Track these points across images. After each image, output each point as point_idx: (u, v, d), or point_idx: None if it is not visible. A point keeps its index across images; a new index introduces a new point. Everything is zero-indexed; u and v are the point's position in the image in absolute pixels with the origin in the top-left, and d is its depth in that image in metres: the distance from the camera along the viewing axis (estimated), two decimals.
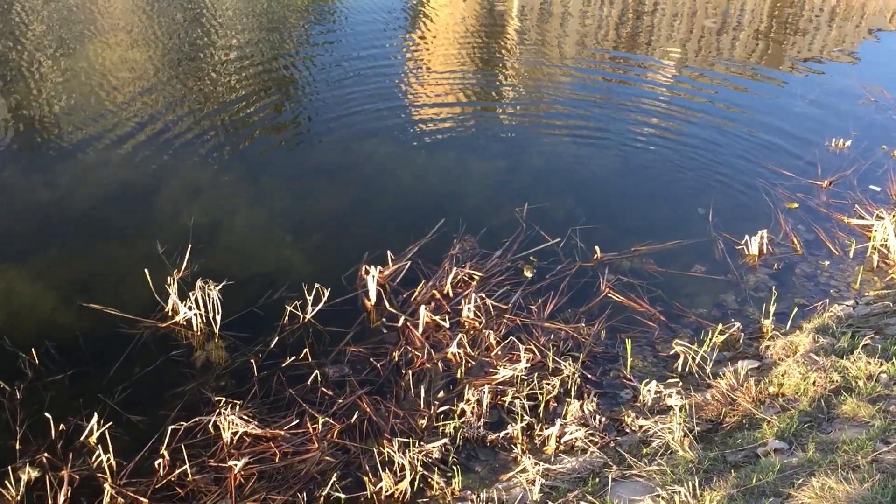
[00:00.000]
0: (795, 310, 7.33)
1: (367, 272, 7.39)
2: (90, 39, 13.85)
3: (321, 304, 7.06)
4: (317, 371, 6.43)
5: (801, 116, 11.71)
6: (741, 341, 7.05)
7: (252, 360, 6.54)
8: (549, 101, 12.16)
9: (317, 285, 7.06)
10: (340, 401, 6.24)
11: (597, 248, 8.17)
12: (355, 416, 6.05)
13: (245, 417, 5.89)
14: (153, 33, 14.48)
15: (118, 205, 8.88)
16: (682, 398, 6.10)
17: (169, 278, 7.09)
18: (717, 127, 11.34)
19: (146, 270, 7.13)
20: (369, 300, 7.35)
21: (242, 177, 9.67)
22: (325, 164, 10.06)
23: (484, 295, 7.28)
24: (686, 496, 4.60)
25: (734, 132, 11.17)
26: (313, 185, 9.57)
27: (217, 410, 5.91)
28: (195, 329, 6.88)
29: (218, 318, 6.86)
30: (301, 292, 7.15)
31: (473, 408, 6.13)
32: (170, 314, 7.00)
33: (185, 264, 7.46)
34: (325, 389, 6.32)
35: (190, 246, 7.77)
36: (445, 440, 5.81)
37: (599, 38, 15.72)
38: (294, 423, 5.94)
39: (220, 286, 6.87)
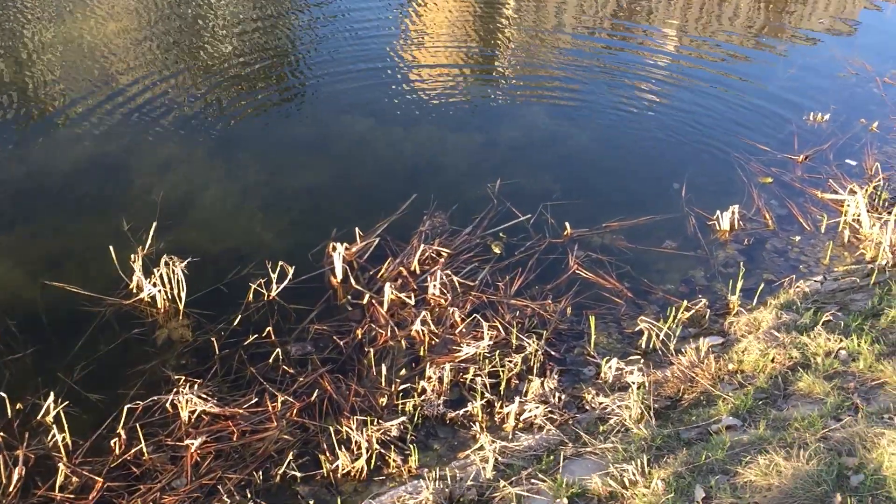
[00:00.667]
0: (762, 286, 7.31)
1: (333, 249, 7.34)
2: (65, 11, 13.68)
3: (286, 282, 7.02)
4: (279, 349, 6.40)
5: (781, 90, 11.63)
6: (707, 317, 7.04)
7: (214, 338, 6.52)
8: (532, 72, 12.05)
9: (280, 263, 7.00)
10: (301, 379, 6.23)
11: (567, 224, 8.13)
12: (315, 395, 6.04)
13: (204, 396, 5.88)
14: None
15: (87, 180, 8.82)
16: (642, 375, 6.10)
17: (134, 255, 7.03)
18: (699, 100, 11.26)
19: (111, 247, 7.07)
20: (335, 277, 7.32)
21: (217, 150, 9.59)
22: (303, 137, 9.98)
23: (450, 272, 7.25)
24: (634, 473, 4.61)
25: (715, 106, 11.10)
26: (289, 160, 9.50)
27: (175, 389, 5.88)
28: (159, 307, 6.86)
29: (182, 295, 6.83)
30: (269, 269, 7.11)
31: (434, 385, 6.13)
32: (134, 291, 6.95)
33: (150, 241, 7.38)
34: (286, 367, 6.31)
35: (156, 222, 7.70)
36: (404, 418, 5.82)
37: (599, 4, 15.55)
38: (253, 401, 5.94)
39: (184, 263, 6.82)
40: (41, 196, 8.48)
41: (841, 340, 5.89)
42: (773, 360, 5.87)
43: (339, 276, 7.29)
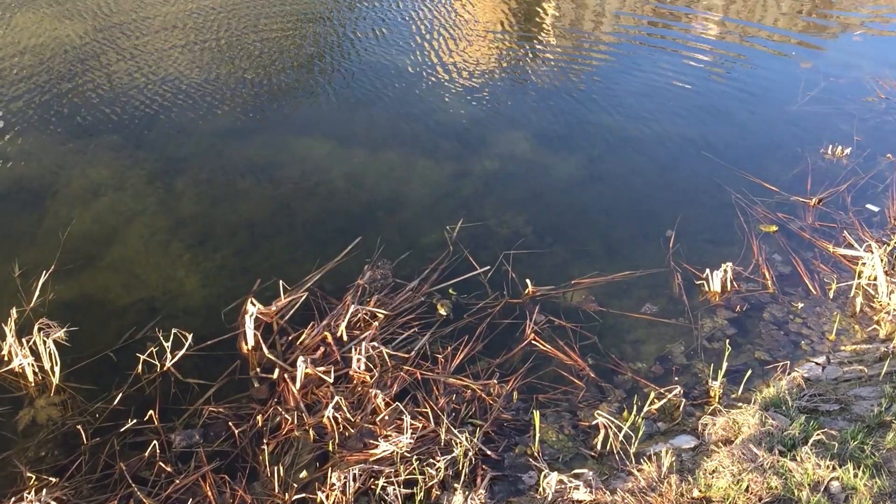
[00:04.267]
0: (749, 372, 6.13)
1: (245, 311, 6.27)
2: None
3: (182, 351, 5.97)
4: (156, 441, 5.35)
5: (798, 115, 10.35)
6: (681, 409, 5.89)
7: (82, 426, 5.48)
8: (511, 91, 10.84)
9: (174, 331, 5.95)
10: (178, 480, 5.19)
11: (528, 281, 6.98)
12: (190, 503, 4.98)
13: (53, 503, 4.84)
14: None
15: (2, 210, 7.85)
16: (589, 492, 4.97)
17: (15, 311, 6.03)
18: (704, 124, 10.03)
19: None
20: (246, 344, 6.25)
21: (154, 175, 8.59)
22: (253, 161, 8.93)
23: (379, 343, 6.16)
24: None
25: (721, 132, 9.88)
26: (232, 189, 8.46)
27: (20, 495, 4.86)
28: (29, 380, 5.83)
29: (56, 368, 5.80)
30: (185, 323, 6.12)
31: (336, 497, 5.04)
32: (6, 359, 5.94)
33: (37, 293, 6.39)
34: (163, 464, 5.26)
35: (53, 267, 6.74)
36: None
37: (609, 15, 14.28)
38: None
39: (61, 331, 5.81)
40: None
41: (834, 468, 4.71)
42: (746, 490, 4.71)
43: (250, 342, 6.22)
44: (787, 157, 9.31)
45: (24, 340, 5.78)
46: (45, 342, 5.73)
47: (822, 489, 4.62)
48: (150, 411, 5.58)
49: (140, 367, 5.96)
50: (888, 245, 7.47)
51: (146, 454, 5.33)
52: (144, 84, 10.31)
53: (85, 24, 12.01)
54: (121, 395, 5.74)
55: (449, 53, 11.75)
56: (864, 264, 7.31)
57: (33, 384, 5.83)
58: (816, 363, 6.35)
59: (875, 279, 7.10)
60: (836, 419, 5.44)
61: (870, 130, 10.02)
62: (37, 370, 5.82)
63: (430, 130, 9.62)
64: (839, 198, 8.57)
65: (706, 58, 12.15)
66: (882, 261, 7.12)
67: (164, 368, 5.99)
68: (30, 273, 6.84)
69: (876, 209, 8.39)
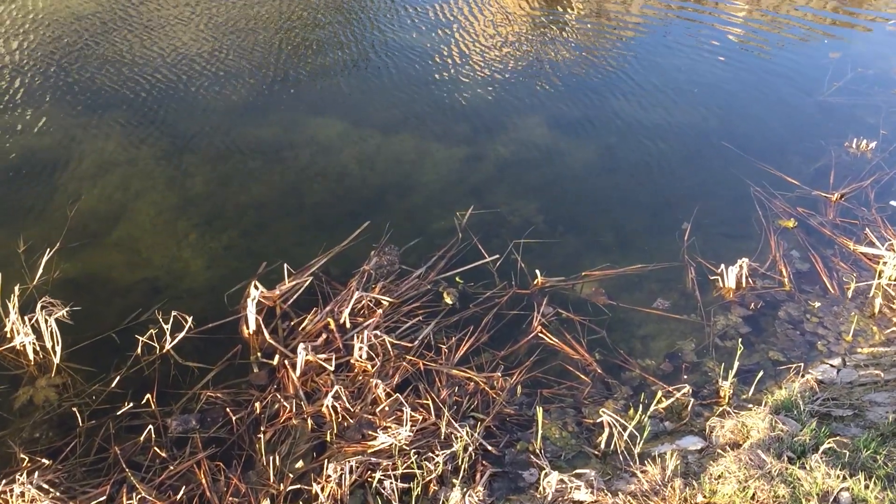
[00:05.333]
0: (761, 372, 5.95)
1: (248, 294, 6.17)
2: None
3: (182, 333, 5.89)
4: (152, 425, 5.28)
5: (823, 107, 10.08)
6: (689, 409, 5.73)
7: (77, 409, 5.41)
8: (533, 73, 10.62)
9: (174, 313, 5.86)
10: (172, 466, 5.11)
11: (538, 271, 6.83)
12: (183, 491, 4.91)
13: (45, 486, 4.79)
14: None
15: (12, 184, 7.78)
16: (591, 493, 4.84)
17: (18, 288, 5.96)
18: (726, 113, 9.79)
19: None
20: (247, 328, 6.15)
21: (165, 152, 8.50)
22: (266, 140, 8.81)
23: (382, 331, 6.05)
24: None
25: (743, 122, 9.63)
26: (243, 168, 8.36)
27: (12, 476, 4.80)
28: (30, 358, 5.77)
29: (58, 347, 5.73)
30: (188, 305, 6.05)
31: (332, 489, 4.94)
32: (7, 336, 5.88)
33: (41, 269, 6.34)
34: (158, 449, 5.19)
35: (59, 244, 6.68)
36: None
37: None
38: (103, 497, 4.81)
39: (65, 310, 5.74)
40: None
41: (844, 478, 4.55)
42: (752, 498, 4.56)
43: (252, 326, 6.12)
44: (809, 150, 9.06)
45: (26, 318, 5.71)
46: (47, 321, 5.65)
47: (831, 500, 4.47)
48: (148, 395, 5.51)
49: (140, 348, 5.86)
50: None
51: (141, 438, 5.26)
52: (157, 60, 10.20)
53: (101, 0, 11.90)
54: (119, 377, 5.67)
55: (469, 37, 11.54)
56: (885, 263, 7.10)
57: (34, 363, 5.77)
58: (831, 365, 6.17)
59: None
60: (850, 425, 5.27)
61: None
62: (38, 349, 5.75)
63: (445, 114, 9.45)
64: (862, 193, 8.33)
65: (731, 46, 11.86)
66: None
67: (164, 351, 5.91)
68: (35, 249, 6.79)
69: None
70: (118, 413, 5.42)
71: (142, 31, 10.86)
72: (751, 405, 5.60)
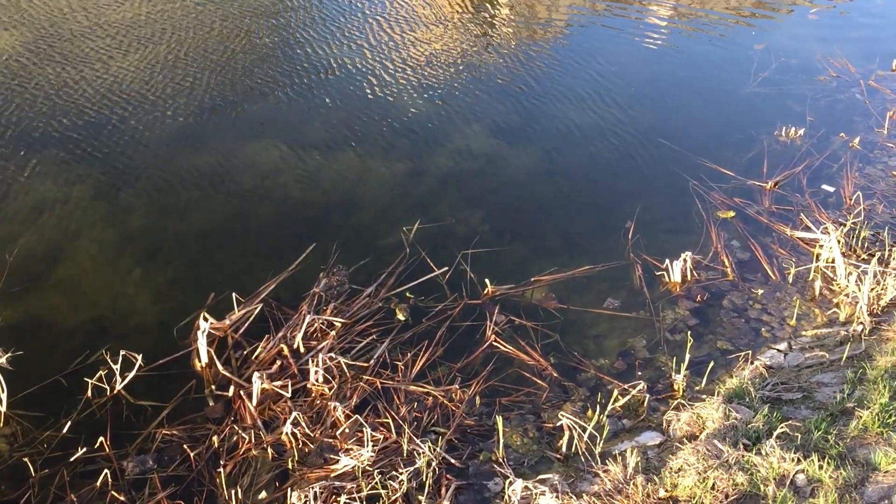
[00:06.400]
0: (712, 363, 6.09)
1: (198, 327, 6.09)
2: None
3: (133, 373, 5.78)
4: (108, 468, 5.17)
5: (750, 98, 10.34)
6: (646, 404, 5.83)
7: (33, 454, 5.28)
8: (467, 85, 10.67)
9: (122, 352, 5.76)
10: None
11: (487, 281, 6.87)
12: None
13: None
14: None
15: None
16: (556, 497, 4.89)
17: None
18: (659, 113, 9.99)
19: None
20: (199, 361, 6.07)
21: (101, 188, 8.33)
22: (203, 168, 8.69)
23: (337, 353, 6.03)
24: None
25: (676, 118, 9.83)
26: (182, 198, 8.23)
27: None
28: None
29: (3, 396, 5.58)
30: (136, 343, 5.93)
31: None
32: None
33: None
34: (116, 493, 5.08)
35: None
36: None
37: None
38: None
39: (2, 359, 5.58)
40: None
41: (799, 461, 4.68)
42: (712, 488, 4.65)
43: (204, 359, 6.04)
44: (741, 141, 9.30)
45: None
46: None
47: (787, 483, 4.58)
48: (101, 438, 5.40)
49: (90, 391, 5.75)
50: (844, 226, 7.47)
51: (98, 484, 5.15)
52: (88, 94, 10.01)
53: (26, 34, 11.63)
54: (70, 422, 5.54)
55: (401, 49, 11.57)
56: (821, 247, 7.31)
57: None
58: (778, 350, 6.33)
59: (833, 261, 7.10)
60: (800, 408, 5.42)
61: (822, 110, 10.05)
62: None
63: (384, 129, 9.46)
64: (795, 180, 8.57)
65: (658, 45, 12.10)
66: (839, 242, 7.12)
67: (115, 391, 5.80)
68: None
69: (831, 189, 8.41)
70: (72, 459, 5.30)
71: (70, 66, 10.65)
72: (704, 396, 5.72)
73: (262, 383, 5.74)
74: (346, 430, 5.56)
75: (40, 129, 9.21)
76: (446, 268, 7.11)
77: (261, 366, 6.05)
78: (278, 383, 5.84)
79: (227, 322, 6.35)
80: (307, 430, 5.49)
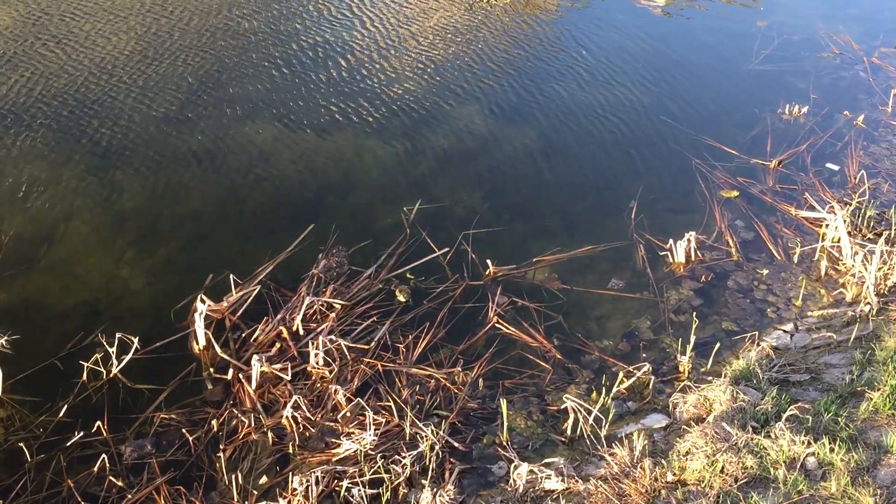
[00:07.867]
0: (718, 344, 6.00)
1: (195, 309, 5.98)
2: None
3: (129, 356, 5.67)
4: (105, 453, 5.08)
5: (753, 76, 10.21)
6: (651, 387, 5.74)
7: (29, 439, 5.18)
8: (464, 62, 10.50)
9: (118, 335, 5.65)
10: (130, 495, 4.93)
11: (489, 261, 6.76)
12: None
13: None
14: None
15: None
16: (561, 481, 4.81)
17: None
18: (661, 91, 9.84)
19: None
20: (197, 344, 5.96)
21: (92, 168, 8.18)
22: (197, 149, 8.54)
23: (337, 335, 5.92)
24: None
25: (678, 97, 9.70)
26: (177, 178, 8.09)
27: None
28: None
29: None
30: (132, 325, 5.82)
31: (299, 502, 4.81)
32: None
33: None
34: (113, 478, 4.99)
35: None
36: None
37: None
38: None
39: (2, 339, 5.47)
40: None
41: (809, 443, 4.60)
42: (721, 471, 4.57)
43: (202, 341, 5.93)
44: (744, 119, 9.18)
45: None
46: None
47: (798, 466, 4.51)
48: (98, 422, 5.29)
49: (85, 375, 5.64)
50: (850, 205, 7.37)
51: (95, 468, 5.05)
52: (78, 73, 9.82)
53: (14, 11, 11.41)
54: (66, 406, 5.44)
55: (396, 26, 11.39)
56: (826, 226, 7.21)
57: None
58: (784, 331, 6.25)
59: (839, 241, 7.00)
60: (808, 389, 5.34)
61: (826, 87, 9.93)
62: None
63: (380, 109, 9.31)
64: (799, 158, 8.46)
65: (659, 21, 11.93)
66: (845, 221, 7.02)
67: (111, 375, 5.70)
68: None
69: (836, 168, 8.31)
70: (68, 444, 5.20)
71: (61, 46, 10.45)
72: (710, 377, 5.63)
73: (261, 366, 5.64)
74: (348, 414, 5.47)
75: (29, 109, 9.03)
76: (447, 248, 7.00)
77: (260, 348, 5.95)
78: (278, 366, 5.74)
79: (225, 304, 6.24)
80: (308, 414, 5.40)
